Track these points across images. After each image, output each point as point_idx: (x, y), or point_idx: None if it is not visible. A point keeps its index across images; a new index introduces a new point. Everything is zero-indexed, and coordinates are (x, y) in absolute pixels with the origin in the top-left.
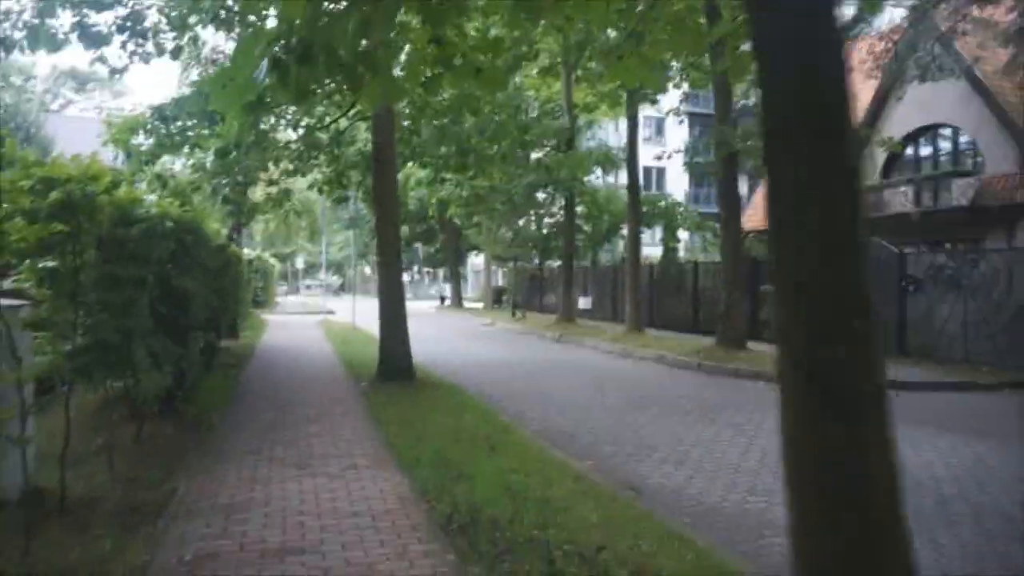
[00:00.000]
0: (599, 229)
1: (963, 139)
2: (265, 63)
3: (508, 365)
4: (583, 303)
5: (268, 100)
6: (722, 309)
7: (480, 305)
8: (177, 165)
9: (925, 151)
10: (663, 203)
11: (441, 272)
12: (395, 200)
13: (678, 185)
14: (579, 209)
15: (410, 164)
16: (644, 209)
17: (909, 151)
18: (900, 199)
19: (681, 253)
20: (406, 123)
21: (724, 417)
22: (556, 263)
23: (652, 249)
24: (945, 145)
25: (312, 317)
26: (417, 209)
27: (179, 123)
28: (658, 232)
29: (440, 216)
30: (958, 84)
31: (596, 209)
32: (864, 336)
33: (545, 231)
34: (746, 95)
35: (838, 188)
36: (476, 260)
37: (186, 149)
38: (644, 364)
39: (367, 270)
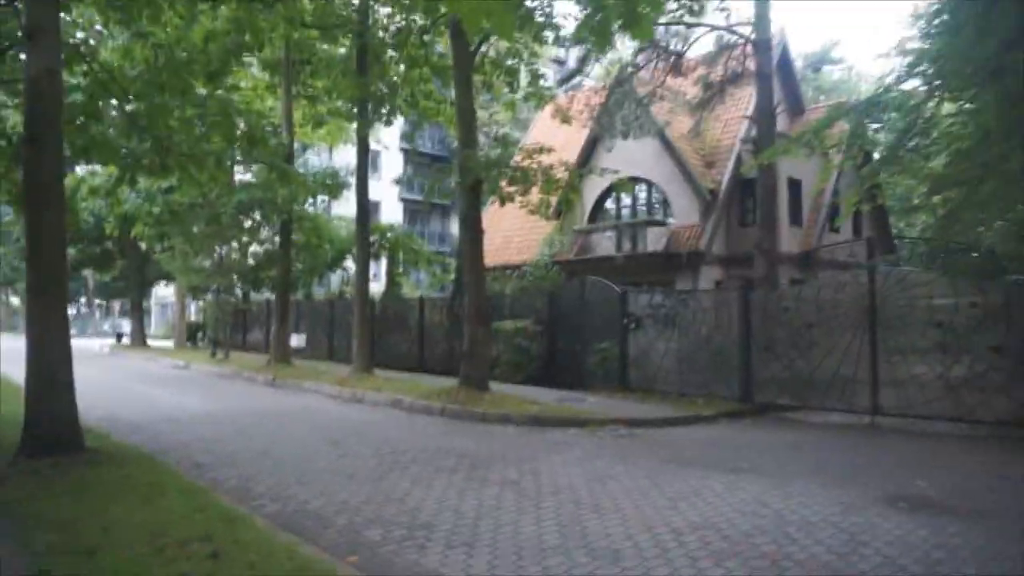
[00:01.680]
0: (321, 259)
1: (656, 192)
2: None
3: (216, 419)
4: (296, 341)
5: None
6: (466, 347)
7: (170, 344)
8: None
9: (625, 201)
10: (390, 233)
11: (118, 305)
12: (58, 205)
13: (392, 219)
14: (294, 237)
15: (84, 166)
16: (372, 239)
17: (611, 201)
18: (605, 243)
19: (403, 289)
20: (78, 99)
21: (495, 473)
22: (263, 296)
23: (373, 285)
24: (642, 196)
25: None
26: (90, 227)
27: None
28: (379, 266)
29: (121, 236)
30: (653, 143)
31: (315, 237)
32: None
33: (253, 260)
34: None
35: None
36: (163, 291)
37: None
38: (380, 410)
39: (14, 300)
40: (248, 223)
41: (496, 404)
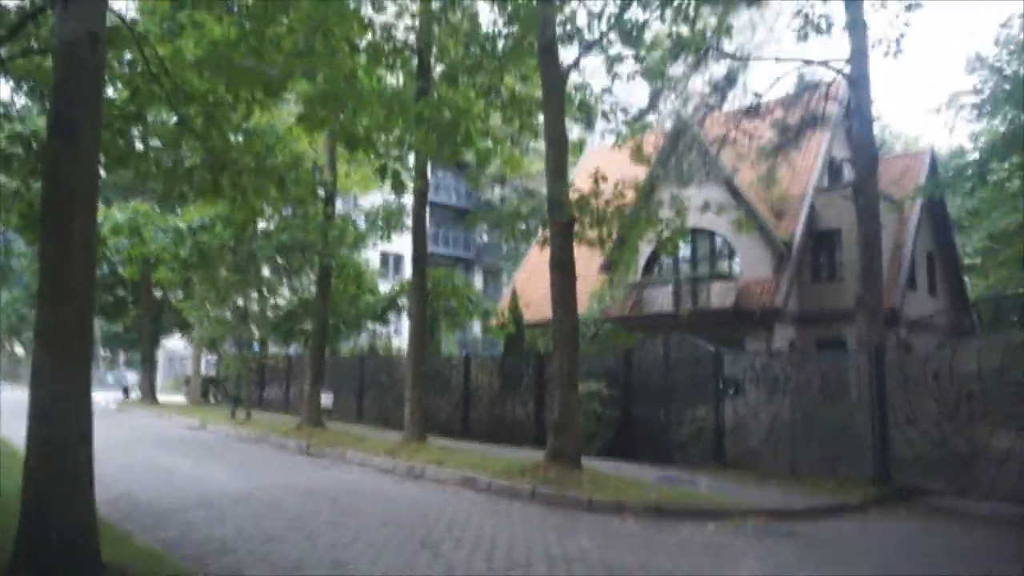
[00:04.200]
0: (367, 310)
1: (720, 244)
2: None
3: (258, 502)
4: (324, 401)
5: None
6: (556, 416)
7: (180, 399)
8: None
9: (684, 253)
10: (456, 281)
11: (123, 356)
12: (89, 219)
13: None
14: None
15: (107, 206)
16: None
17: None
18: (662, 298)
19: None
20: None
21: None
22: (278, 350)
23: (399, 342)
24: (703, 248)
25: None
26: (104, 273)
27: None
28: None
29: (137, 282)
30: (718, 190)
31: (355, 286)
32: None
33: (273, 313)
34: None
35: None
36: (171, 344)
37: None
38: (452, 492)
39: (19, 350)
40: (274, 270)
41: (597, 486)
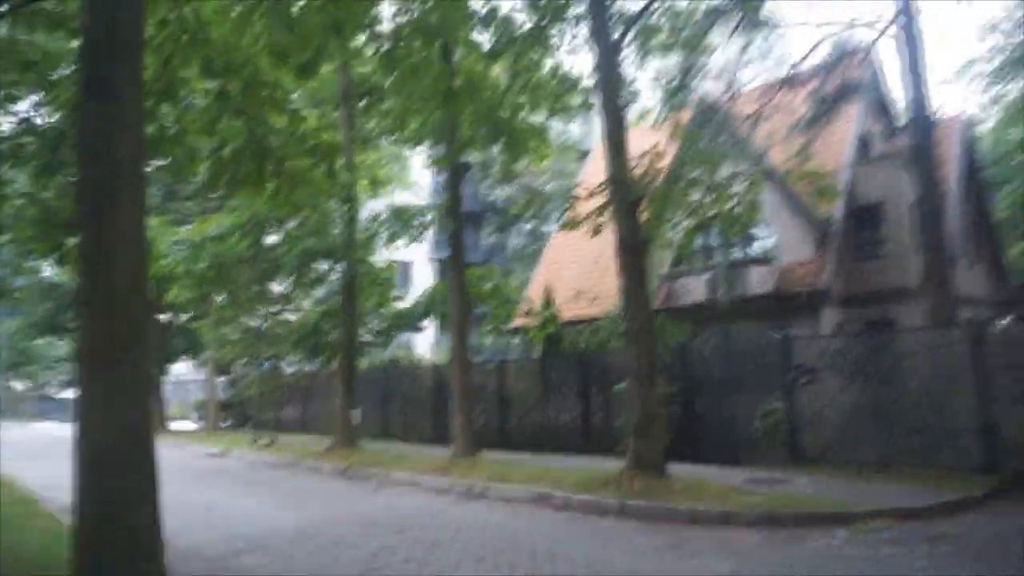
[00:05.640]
0: (405, 318)
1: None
2: None
3: (317, 541)
4: (353, 417)
5: None
6: (636, 419)
7: (189, 426)
8: None
9: (716, 238)
10: (494, 281)
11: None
12: (137, 200)
13: (424, 280)
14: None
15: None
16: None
17: (699, 240)
18: (697, 288)
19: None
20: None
21: None
22: (299, 367)
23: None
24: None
25: None
26: None
27: None
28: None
29: (153, 304)
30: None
31: (380, 295)
32: None
33: (288, 326)
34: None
35: None
36: (176, 368)
37: None
38: (525, 511)
39: (16, 385)
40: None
41: (690, 495)
